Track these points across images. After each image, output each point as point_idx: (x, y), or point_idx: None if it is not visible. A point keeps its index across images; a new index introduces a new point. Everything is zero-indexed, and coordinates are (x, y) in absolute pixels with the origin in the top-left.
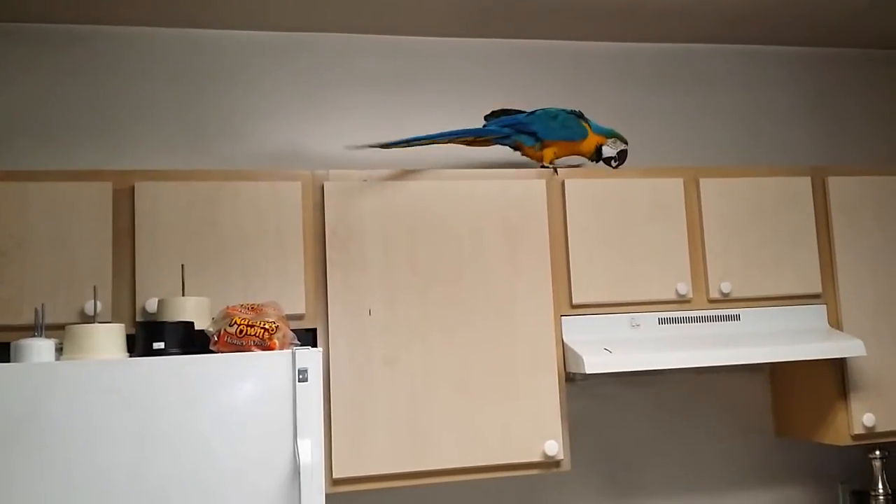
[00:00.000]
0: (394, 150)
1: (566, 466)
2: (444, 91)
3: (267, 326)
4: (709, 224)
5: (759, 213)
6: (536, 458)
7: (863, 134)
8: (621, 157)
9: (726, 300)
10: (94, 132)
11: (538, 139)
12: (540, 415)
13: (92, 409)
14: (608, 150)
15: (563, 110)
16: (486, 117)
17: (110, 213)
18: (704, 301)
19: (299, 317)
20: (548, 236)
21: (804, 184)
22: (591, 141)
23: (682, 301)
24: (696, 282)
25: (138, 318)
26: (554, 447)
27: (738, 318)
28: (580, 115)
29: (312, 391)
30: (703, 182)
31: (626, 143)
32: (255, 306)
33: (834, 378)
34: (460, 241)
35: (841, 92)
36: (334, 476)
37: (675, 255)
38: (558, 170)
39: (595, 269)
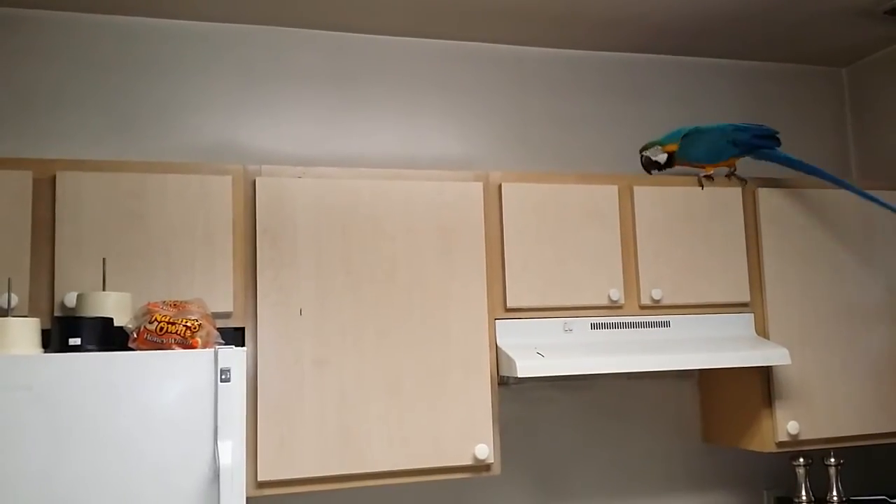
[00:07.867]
0: (332, 146)
1: (496, 470)
2: (382, 89)
3: (189, 324)
4: (641, 231)
5: (690, 222)
6: (467, 462)
7: (793, 147)
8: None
9: (657, 307)
10: (15, 118)
11: None
12: (471, 418)
13: (2, 405)
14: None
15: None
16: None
17: (29, 203)
18: (636, 307)
19: (227, 315)
20: (483, 239)
21: (735, 194)
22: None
23: (614, 307)
24: (628, 288)
25: (57, 313)
26: (484, 451)
27: (668, 324)
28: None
29: (235, 391)
30: (636, 190)
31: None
32: (179, 303)
33: (760, 386)
34: (394, 242)
35: (773, 105)
36: (259, 479)
37: (608, 262)
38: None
39: (530, 274)
